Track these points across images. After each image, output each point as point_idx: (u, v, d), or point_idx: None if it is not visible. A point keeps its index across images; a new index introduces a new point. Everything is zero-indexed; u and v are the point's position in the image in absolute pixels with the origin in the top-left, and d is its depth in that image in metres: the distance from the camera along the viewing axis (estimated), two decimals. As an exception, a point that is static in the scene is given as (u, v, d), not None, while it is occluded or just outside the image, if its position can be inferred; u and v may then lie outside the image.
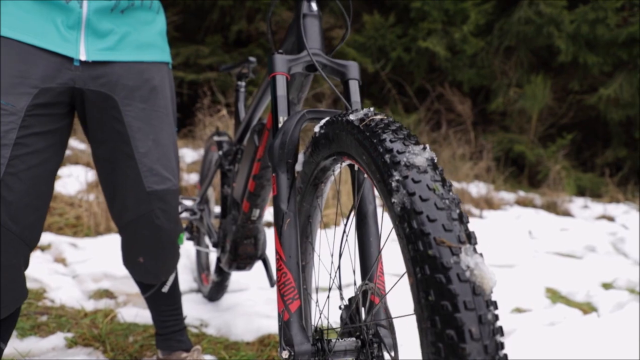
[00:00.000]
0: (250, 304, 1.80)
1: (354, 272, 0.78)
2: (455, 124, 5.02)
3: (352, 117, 0.64)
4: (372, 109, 0.65)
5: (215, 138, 1.78)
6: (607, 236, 3.73)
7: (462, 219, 0.50)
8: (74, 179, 3.26)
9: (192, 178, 3.84)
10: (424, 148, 0.56)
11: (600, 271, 2.72)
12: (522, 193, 4.86)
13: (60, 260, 2.09)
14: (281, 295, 0.74)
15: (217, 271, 1.62)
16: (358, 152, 0.61)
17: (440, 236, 0.47)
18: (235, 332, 1.57)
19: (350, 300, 0.79)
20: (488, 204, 4.27)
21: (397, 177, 0.52)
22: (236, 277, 1.96)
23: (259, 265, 1.73)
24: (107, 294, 1.81)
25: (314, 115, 0.83)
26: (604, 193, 5.02)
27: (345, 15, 0.98)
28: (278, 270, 0.77)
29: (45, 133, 0.97)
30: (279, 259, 0.77)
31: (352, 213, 0.83)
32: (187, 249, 2.28)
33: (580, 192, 5.04)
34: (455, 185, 4.34)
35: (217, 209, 2.29)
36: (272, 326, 1.60)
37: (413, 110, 5.19)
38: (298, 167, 0.87)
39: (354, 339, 0.72)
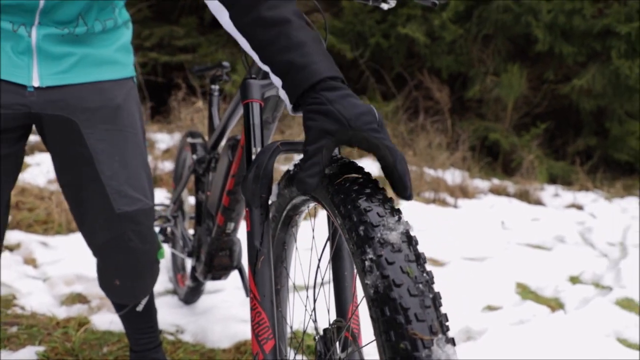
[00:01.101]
0: (227, 306, 1.81)
1: (328, 311, 0.78)
2: (433, 112, 5.05)
3: (326, 170, 0.63)
4: (345, 159, 0.65)
5: (189, 140, 1.74)
6: (575, 226, 3.85)
7: (436, 303, 0.50)
8: (44, 169, 3.17)
9: (166, 166, 3.78)
10: (399, 219, 0.55)
11: (568, 264, 2.81)
12: (496, 181, 4.96)
13: (30, 261, 2.04)
14: (255, 336, 0.74)
15: (192, 278, 1.61)
16: (331, 209, 0.61)
17: (412, 328, 0.47)
18: (211, 338, 1.58)
19: (325, 331, 0.80)
20: (463, 192, 4.34)
21: (370, 256, 0.52)
22: (212, 279, 1.95)
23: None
24: (79, 298, 1.78)
25: (288, 148, 0.82)
26: (575, 181, 5.16)
27: (325, 18, 0.96)
28: (252, 309, 0.76)
29: (3, 157, 0.94)
30: (252, 298, 0.77)
31: (326, 246, 0.83)
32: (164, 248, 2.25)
33: (552, 180, 5.17)
34: (431, 173, 4.39)
35: (192, 205, 2.26)
36: (247, 331, 1.61)
37: (391, 98, 5.18)
38: (273, 197, 0.86)
39: (327, 378, 0.72)
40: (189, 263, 1.88)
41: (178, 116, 3.99)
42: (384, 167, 0.63)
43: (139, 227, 1.05)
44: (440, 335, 0.48)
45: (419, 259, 0.53)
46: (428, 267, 0.52)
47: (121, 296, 1.15)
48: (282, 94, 0.71)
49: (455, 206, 3.99)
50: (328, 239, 0.81)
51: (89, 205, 1.04)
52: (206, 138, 1.77)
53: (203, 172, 1.56)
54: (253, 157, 0.85)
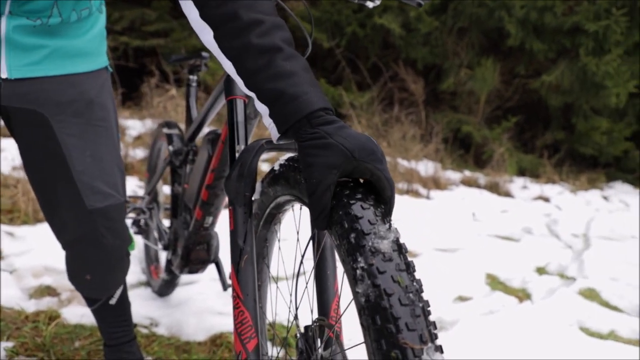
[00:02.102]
0: (202, 298, 1.79)
1: (311, 311, 0.79)
2: (408, 103, 5.09)
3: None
4: None
5: (165, 130, 1.70)
6: (542, 217, 3.98)
7: (425, 312, 0.51)
8: (8, 155, 3.05)
9: (137, 154, 3.70)
10: (389, 227, 0.56)
11: (535, 255, 2.91)
12: (467, 173, 5.06)
13: (-4, 252, 1.97)
14: (238, 334, 0.74)
15: (167, 271, 1.59)
16: None
17: (403, 337, 0.48)
18: (186, 331, 1.57)
19: (306, 328, 0.81)
20: (435, 183, 4.42)
21: (362, 265, 0.52)
22: (187, 271, 1.93)
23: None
24: (49, 291, 1.73)
25: (272, 147, 0.81)
26: (542, 174, 5.32)
27: (306, 33, 0.95)
28: (235, 308, 0.76)
29: None
30: (236, 296, 0.77)
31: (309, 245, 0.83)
32: (136, 238, 2.21)
33: (521, 173, 5.32)
34: (405, 164, 4.44)
35: (167, 195, 2.22)
36: (223, 324, 1.61)
37: (366, 89, 5.20)
38: (256, 195, 0.86)
39: (309, 376, 0.73)
40: (163, 254, 1.85)
41: (150, 103, 3.89)
42: (379, 196, 0.64)
43: (111, 222, 1.03)
44: (430, 344, 0.49)
45: (409, 268, 0.54)
46: (417, 275, 0.53)
47: (92, 291, 1.13)
48: (268, 122, 0.70)
49: (427, 197, 4.06)
50: (311, 238, 0.81)
51: (59, 200, 1.01)
52: (183, 129, 1.74)
53: (180, 164, 1.53)
54: (237, 154, 0.84)
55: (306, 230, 0.80)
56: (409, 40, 5.16)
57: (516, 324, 1.90)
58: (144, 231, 1.83)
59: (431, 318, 0.52)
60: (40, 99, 0.94)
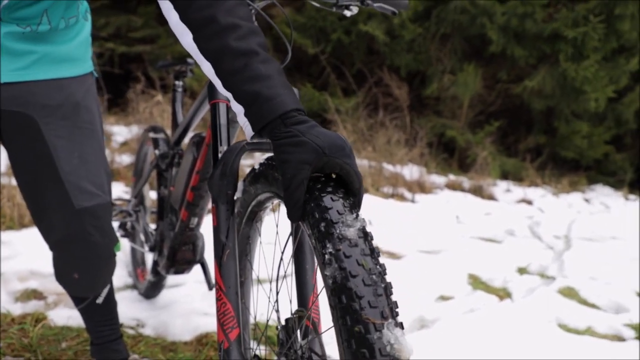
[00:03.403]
0: (188, 300, 1.82)
1: (290, 301, 0.83)
2: (392, 108, 5.17)
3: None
4: None
5: (151, 135, 1.73)
6: (525, 220, 4.06)
7: (387, 291, 0.56)
8: (-8, 162, 3.04)
9: (124, 159, 3.71)
10: (357, 217, 0.61)
11: (517, 256, 2.98)
12: (452, 177, 5.15)
13: (-19, 257, 1.97)
14: (221, 325, 0.78)
15: (153, 272, 1.61)
16: None
17: (366, 313, 0.52)
18: (173, 331, 1.59)
19: (287, 321, 0.85)
20: (420, 187, 4.49)
21: (330, 250, 0.57)
22: (173, 273, 1.95)
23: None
24: (35, 294, 1.74)
25: (253, 147, 0.85)
26: (525, 177, 5.42)
27: (286, 41, 0.99)
28: (218, 300, 0.80)
29: None
30: (218, 289, 0.80)
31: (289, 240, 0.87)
32: (122, 242, 2.23)
33: (504, 176, 5.42)
34: (390, 169, 4.51)
35: (153, 199, 2.24)
36: (209, 324, 1.63)
37: (352, 94, 5.26)
38: (238, 194, 0.89)
39: (289, 363, 0.77)
40: (149, 257, 1.87)
41: (136, 109, 3.91)
42: (349, 189, 0.68)
43: (98, 221, 1.06)
44: (390, 320, 0.54)
45: (374, 253, 0.58)
46: (382, 259, 0.58)
47: (80, 290, 1.15)
48: (243, 121, 0.75)
49: (412, 201, 4.12)
50: (291, 234, 0.85)
51: (47, 201, 1.04)
52: (169, 133, 1.77)
53: (166, 167, 1.56)
54: (219, 155, 0.88)
55: (285, 227, 0.84)
56: (393, 47, 5.25)
57: (496, 322, 1.95)
58: (130, 234, 1.85)
59: (393, 298, 0.57)
60: (29, 102, 0.97)
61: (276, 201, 0.83)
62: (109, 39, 5.13)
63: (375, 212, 3.53)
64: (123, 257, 2.14)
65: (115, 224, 1.93)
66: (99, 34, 5.04)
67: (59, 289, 1.80)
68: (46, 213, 1.05)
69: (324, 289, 0.58)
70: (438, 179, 4.90)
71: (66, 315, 1.59)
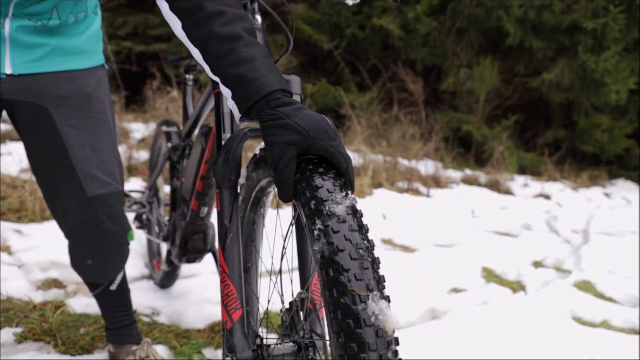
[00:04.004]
0: (201, 290, 1.86)
1: (291, 281, 0.85)
2: (408, 104, 5.14)
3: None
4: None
5: (164, 129, 1.78)
6: (542, 214, 4.00)
7: (374, 265, 0.57)
8: (16, 159, 3.14)
9: (142, 156, 3.78)
10: (346, 195, 0.62)
11: (533, 250, 2.95)
12: (468, 172, 5.10)
13: (5, 248, 2.04)
14: (225, 306, 0.80)
15: (167, 262, 1.65)
16: None
17: (351, 286, 0.54)
18: (186, 320, 1.63)
19: (290, 304, 0.87)
20: (436, 182, 4.46)
21: (319, 226, 0.58)
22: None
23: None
24: (55, 283, 1.80)
25: (255, 134, 0.87)
26: (544, 172, 5.34)
27: (287, 31, 1.01)
28: (222, 282, 0.82)
29: None
30: (222, 272, 0.83)
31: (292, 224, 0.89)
32: (139, 234, 2.29)
33: (522, 171, 5.34)
34: (405, 164, 4.49)
35: (167, 193, 2.29)
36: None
37: (367, 90, 5.26)
38: (242, 180, 0.92)
39: (291, 344, 0.79)
40: (164, 249, 1.92)
41: (153, 106, 3.98)
42: (339, 171, 0.70)
43: (110, 209, 1.10)
44: (375, 292, 0.55)
45: (362, 229, 0.60)
46: (371, 236, 0.60)
47: (93, 275, 1.20)
48: (231, 104, 0.78)
49: (428, 196, 4.10)
50: (293, 218, 0.87)
51: (61, 189, 1.08)
52: (181, 127, 1.81)
53: (178, 159, 1.60)
54: (223, 142, 0.91)
55: (287, 215, 0.86)
56: (408, 42, 5.22)
57: (509, 314, 1.94)
58: (146, 226, 1.90)
59: (380, 272, 0.58)
60: (42, 93, 1.02)
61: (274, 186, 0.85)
62: (126, 38, 5.23)
63: (390, 206, 3.53)
64: (140, 248, 2.20)
65: (131, 216, 1.99)
66: (117, 33, 5.14)
67: (79, 278, 1.86)
68: (60, 200, 1.09)
69: (314, 263, 0.60)
70: (454, 174, 4.86)
71: (85, 303, 1.65)
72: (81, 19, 1.05)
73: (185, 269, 1.99)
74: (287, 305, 0.87)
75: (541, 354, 1.66)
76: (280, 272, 0.88)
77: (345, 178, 0.68)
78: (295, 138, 0.67)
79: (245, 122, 0.77)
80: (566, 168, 5.45)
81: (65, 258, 1.96)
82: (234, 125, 0.93)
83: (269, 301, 0.86)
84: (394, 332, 0.54)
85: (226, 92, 0.78)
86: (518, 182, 5.03)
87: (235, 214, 0.85)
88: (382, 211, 3.40)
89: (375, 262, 0.58)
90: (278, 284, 0.88)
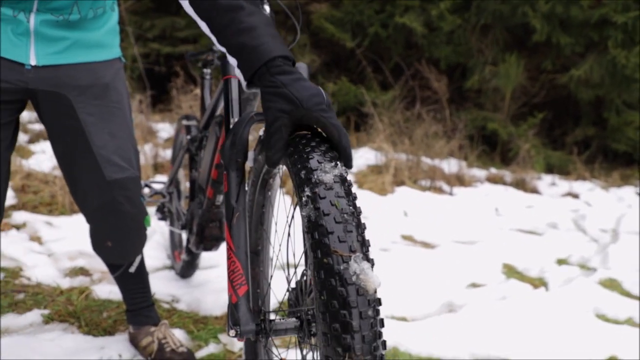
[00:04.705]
0: (220, 280, 1.90)
1: (295, 265, 0.87)
2: (431, 101, 5.11)
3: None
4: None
5: (184, 122, 1.84)
6: (569, 213, 3.90)
7: (358, 229, 0.59)
8: (48, 156, 3.28)
9: (168, 154, 3.88)
10: (335, 165, 0.65)
11: (557, 247, 2.88)
12: (493, 170, 5.02)
13: (36, 238, 2.15)
14: (230, 282, 0.83)
15: (186, 251, 1.71)
16: (285, 160, 0.70)
17: (334, 246, 0.56)
18: (204, 307, 1.68)
19: (296, 284, 0.89)
20: (459, 180, 4.41)
21: (307, 193, 0.61)
22: (207, 255, 2.05)
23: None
24: (82, 271, 1.88)
25: (261, 118, 0.90)
26: (572, 171, 5.20)
27: (294, 20, 1.04)
28: (228, 259, 0.85)
29: (1, 125, 1.04)
30: (229, 249, 0.86)
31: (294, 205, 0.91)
32: (162, 227, 2.36)
33: (549, 170, 5.22)
34: (428, 162, 4.46)
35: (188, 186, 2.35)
36: (239, 302, 1.70)
37: (389, 88, 5.24)
38: (250, 163, 0.95)
39: (294, 319, 0.82)
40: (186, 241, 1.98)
41: (179, 105, 4.09)
42: (331, 142, 0.73)
43: (128, 192, 1.16)
44: (358, 254, 0.58)
45: (349, 196, 0.63)
46: (358, 203, 0.62)
47: (113, 257, 1.26)
48: (238, 73, 0.82)
49: (450, 194, 4.06)
50: (297, 196, 0.90)
51: (81, 173, 1.15)
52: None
53: (196, 150, 1.65)
54: (230, 127, 0.94)
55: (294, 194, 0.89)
56: (431, 40, 5.18)
57: (528, 308, 1.91)
58: (167, 217, 1.96)
59: (366, 236, 0.60)
60: (63, 82, 1.08)
61: (283, 167, 0.88)
62: (154, 40, 5.38)
63: (412, 203, 3.51)
64: (162, 241, 2.27)
65: (152, 210, 2.06)
66: (145, 35, 5.29)
67: (104, 267, 1.93)
68: (80, 184, 1.16)
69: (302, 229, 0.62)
70: (478, 173, 4.79)
71: (108, 290, 1.72)
72: (99, 14, 1.12)
73: (205, 260, 2.05)
74: (292, 285, 0.89)
75: (561, 348, 1.64)
76: (287, 254, 0.91)
77: (339, 148, 0.70)
78: (288, 107, 0.70)
79: (252, 89, 0.80)
80: (596, 167, 5.30)
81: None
82: (241, 109, 0.96)
83: (271, 276, 0.89)
84: (375, 291, 0.56)
85: (233, 61, 0.82)
86: (545, 181, 4.92)
87: (242, 195, 0.88)
88: (404, 208, 3.39)
89: (360, 226, 0.60)
90: (283, 264, 0.90)
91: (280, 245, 0.91)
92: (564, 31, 4.86)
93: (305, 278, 0.86)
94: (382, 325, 0.58)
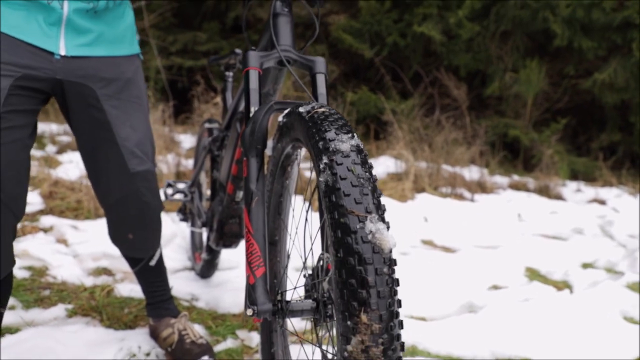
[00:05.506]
0: (239, 280, 1.92)
1: (311, 250, 0.88)
2: (451, 109, 5.08)
3: (301, 109, 0.75)
4: (316, 103, 0.76)
5: (207, 125, 1.88)
6: (596, 219, 3.81)
7: (374, 193, 0.61)
8: (74, 165, 3.38)
9: (189, 163, 3.95)
10: (352, 136, 0.66)
11: (583, 252, 2.81)
12: (516, 177, 4.94)
13: (62, 241, 2.20)
14: (248, 263, 0.85)
15: (207, 250, 1.73)
16: (305, 138, 0.72)
17: (351, 207, 0.58)
18: (223, 305, 1.69)
19: (313, 270, 0.90)
20: (481, 187, 4.35)
21: (325, 161, 0.63)
22: (227, 256, 2.07)
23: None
24: (105, 271, 1.92)
25: (280, 106, 0.92)
26: (598, 177, 5.08)
27: (315, 17, 1.06)
28: (247, 241, 0.87)
29: (25, 112, 1.06)
30: (247, 232, 0.87)
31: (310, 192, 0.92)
32: (183, 231, 2.39)
33: (574, 177, 5.11)
34: (449, 169, 4.42)
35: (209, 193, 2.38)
36: (259, 300, 1.71)
37: (409, 97, 5.24)
38: (269, 151, 0.97)
39: (310, 300, 0.82)
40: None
41: (200, 115, 4.17)
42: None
43: (148, 184, 1.19)
44: (374, 215, 0.59)
45: (365, 165, 0.64)
46: (373, 172, 0.64)
47: (134, 249, 1.28)
48: None
49: (472, 200, 4.01)
50: (315, 166, 0.91)
51: (105, 164, 1.17)
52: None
53: (217, 150, 1.68)
54: (251, 116, 0.96)
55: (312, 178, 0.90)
56: (450, 48, 5.17)
57: (551, 309, 1.87)
58: (188, 218, 2.00)
59: (381, 201, 0.61)
60: (89, 75, 1.12)
61: (301, 151, 0.89)
62: (177, 54, 5.52)
63: (432, 209, 3.48)
64: (183, 243, 2.30)
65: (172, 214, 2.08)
66: (169, 49, 5.44)
67: (127, 268, 1.97)
68: (104, 175, 1.19)
69: (319, 195, 0.63)
70: (500, 179, 4.73)
71: (130, 288, 1.75)
72: (119, 6, 1.16)
73: (225, 261, 2.07)
74: (309, 271, 0.90)
75: (586, 348, 1.59)
76: (304, 238, 0.92)
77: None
78: None
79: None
80: (623, 173, 5.17)
81: (116, 250, 2.09)
82: (265, 99, 0.98)
83: (288, 256, 0.89)
84: (390, 251, 0.57)
85: None
86: (570, 188, 4.81)
87: (261, 179, 0.90)
88: (424, 214, 3.36)
89: (376, 192, 0.61)
90: (301, 250, 0.91)
91: (297, 229, 0.92)
92: (585, 35, 4.80)
93: (321, 263, 0.86)
94: (397, 284, 0.58)
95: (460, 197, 4.07)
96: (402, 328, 0.58)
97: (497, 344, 1.56)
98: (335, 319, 0.77)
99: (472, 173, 4.43)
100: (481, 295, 1.99)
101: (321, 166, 0.63)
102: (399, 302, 0.58)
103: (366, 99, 5.03)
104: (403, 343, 0.58)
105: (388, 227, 0.58)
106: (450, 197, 3.99)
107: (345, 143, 0.65)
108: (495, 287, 2.13)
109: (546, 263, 2.54)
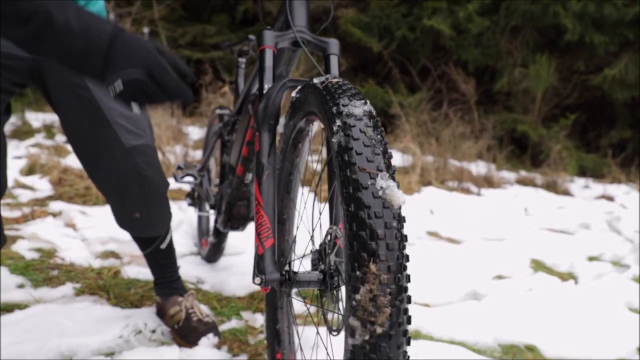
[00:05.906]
0: (245, 265, 1.93)
1: (320, 226, 0.88)
2: (459, 103, 5.07)
3: (315, 80, 0.76)
4: (330, 75, 0.77)
5: (218, 111, 1.90)
6: (603, 215, 3.78)
7: (385, 155, 0.62)
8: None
9: (197, 154, 3.97)
10: (365, 103, 0.68)
11: (589, 246, 2.80)
12: (523, 172, 4.92)
13: (71, 225, 2.23)
14: (257, 234, 0.86)
15: (214, 232, 1.74)
16: (318, 107, 0.73)
17: (362, 165, 0.59)
18: (228, 288, 1.71)
19: (320, 245, 0.90)
20: (488, 182, 4.34)
21: (338, 123, 0.65)
22: (233, 242, 2.08)
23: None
24: (113, 254, 1.94)
25: (293, 84, 0.93)
26: (607, 174, 5.05)
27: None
28: (256, 213, 0.88)
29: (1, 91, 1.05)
30: (257, 204, 0.88)
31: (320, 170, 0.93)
32: (190, 218, 2.41)
33: (582, 173, 5.08)
34: (456, 163, 4.41)
35: (217, 180, 2.39)
36: (265, 284, 1.72)
37: (417, 90, 5.23)
38: (280, 129, 0.98)
39: (317, 272, 0.83)
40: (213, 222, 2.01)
41: (208, 107, 4.19)
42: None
43: (147, 158, 1.17)
44: (384, 173, 0.60)
45: (377, 129, 0.66)
46: (384, 135, 0.65)
47: (141, 228, 1.27)
48: None
49: (478, 194, 4.00)
50: (328, 130, 0.91)
51: (100, 143, 1.15)
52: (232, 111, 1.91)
53: (228, 134, 1.69)
54: (264, 92, 0.97)
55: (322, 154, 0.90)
56: (460, 42, 5.15)
57: (555, 299, 1.86)
58: (196, 203, 2.01)
59: (392, 162, 0.62)
60: None
61: (314, 124, 0.90)
62: (185, 47, 5.54)
63: (438, 202, 3.48)
64: (190, 230, 2.32)
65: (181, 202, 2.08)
66: (178, 41, 5.46)
67: (134, 251, 1.99)
68: (101, 156, 1.16)
69: (332, 154, 0.64)
70: (508, 175, 4.71)
71: (136, 270, 1.77)
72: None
73: (231, 247, 2.08)
74: (317, 247, 0.90)
75: (589, 336, 1.59)
76: (312, 212, 0.92)
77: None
78: None
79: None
80: (632, 170, 5.13)
81: (123, 235, 2.11)
82: (274, 78, 0.99)
83: (297, 227, 0.90)
84: (399, 207, 0.58)
85: None
86: (577, 184, 4.79)
87: (272, 154, 0.91)
88: (430, 207, 3.36)
89: (387, 153, 0.63)
90: (309, 224, 0.92)
91: (305, 204, 0.92)
92: (597, 30, 4.76)
93: (329, 238, 0.87)
94: (406, 240, 0.60)
95: (467, 191, 4.06)
96: (409, 282, 0.59)
97: (500, 330, 1.56)
98: (343, 276, 0.78)
99: (479, 168, 4.41)
100: (485, 284, 1.99)
101: (334, 128, 0.65)
102: (407, 256, 0.59)
103: (374, 93, 5.02)
104: (410, 296, 0.59)
105: (398, 186, 0.59)
106: (457, 191, 3.99)
107: (359, 108, 0.66)
108: (500, 277, 2.13)
109: (552, 255, 2.53)
